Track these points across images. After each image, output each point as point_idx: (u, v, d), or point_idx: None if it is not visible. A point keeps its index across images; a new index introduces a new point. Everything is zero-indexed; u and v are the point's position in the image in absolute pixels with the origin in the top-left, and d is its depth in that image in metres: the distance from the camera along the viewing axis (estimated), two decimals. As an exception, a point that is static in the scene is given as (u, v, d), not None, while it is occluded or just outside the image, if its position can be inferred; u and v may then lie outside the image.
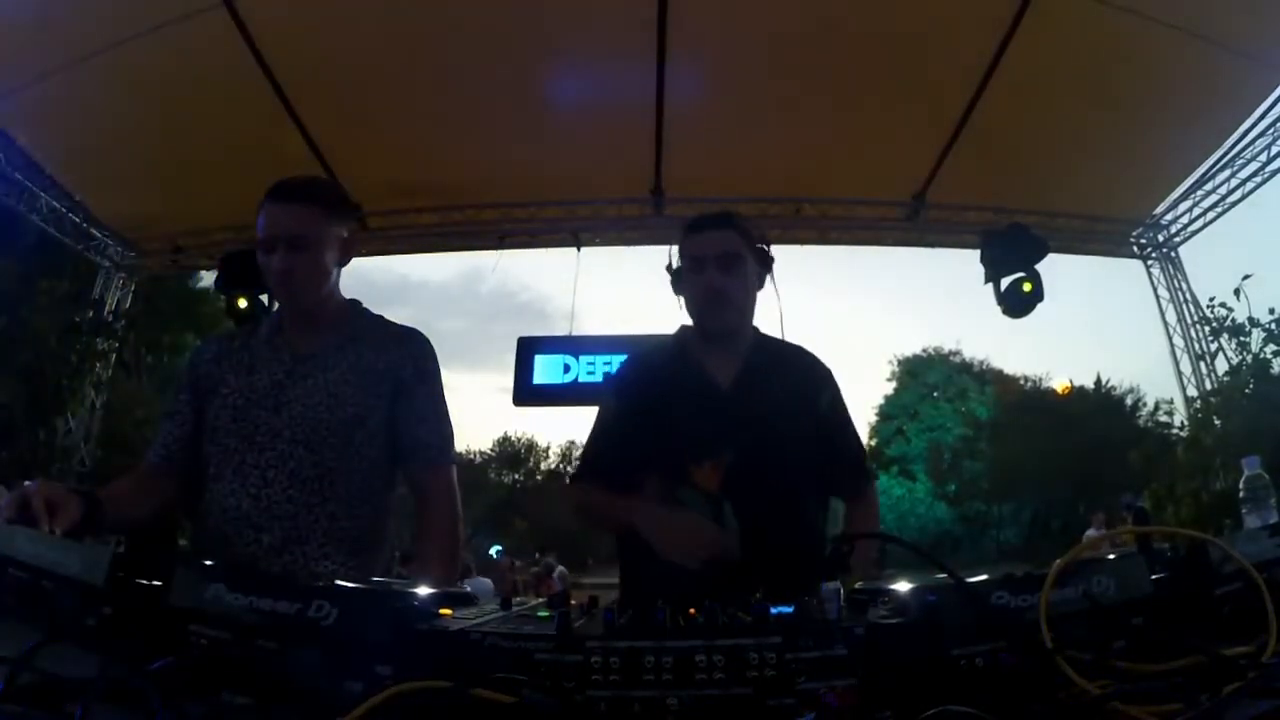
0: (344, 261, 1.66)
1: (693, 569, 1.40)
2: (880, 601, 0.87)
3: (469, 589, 1.28)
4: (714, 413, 1.64)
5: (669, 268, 1.78)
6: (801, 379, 1.74)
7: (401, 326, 1.74)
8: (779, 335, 1.82)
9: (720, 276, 1.64)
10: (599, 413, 1.77)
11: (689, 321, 1.75)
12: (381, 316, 1.74)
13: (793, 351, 1.79)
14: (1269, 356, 5.87)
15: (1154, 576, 0.83)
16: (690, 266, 1.68)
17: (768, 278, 1.75)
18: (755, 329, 1.77)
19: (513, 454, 33.47)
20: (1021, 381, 27.26)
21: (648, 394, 1.70)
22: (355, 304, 1.73)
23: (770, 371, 1.69)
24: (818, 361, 1.79)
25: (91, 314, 6.30)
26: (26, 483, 1.19)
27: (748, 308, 1.72)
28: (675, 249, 1.76)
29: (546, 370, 6.01)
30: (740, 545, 1.51)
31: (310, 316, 1.65)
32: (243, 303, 5.47)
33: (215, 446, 1.58)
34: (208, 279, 8.20)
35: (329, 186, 1.71)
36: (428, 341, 1.73)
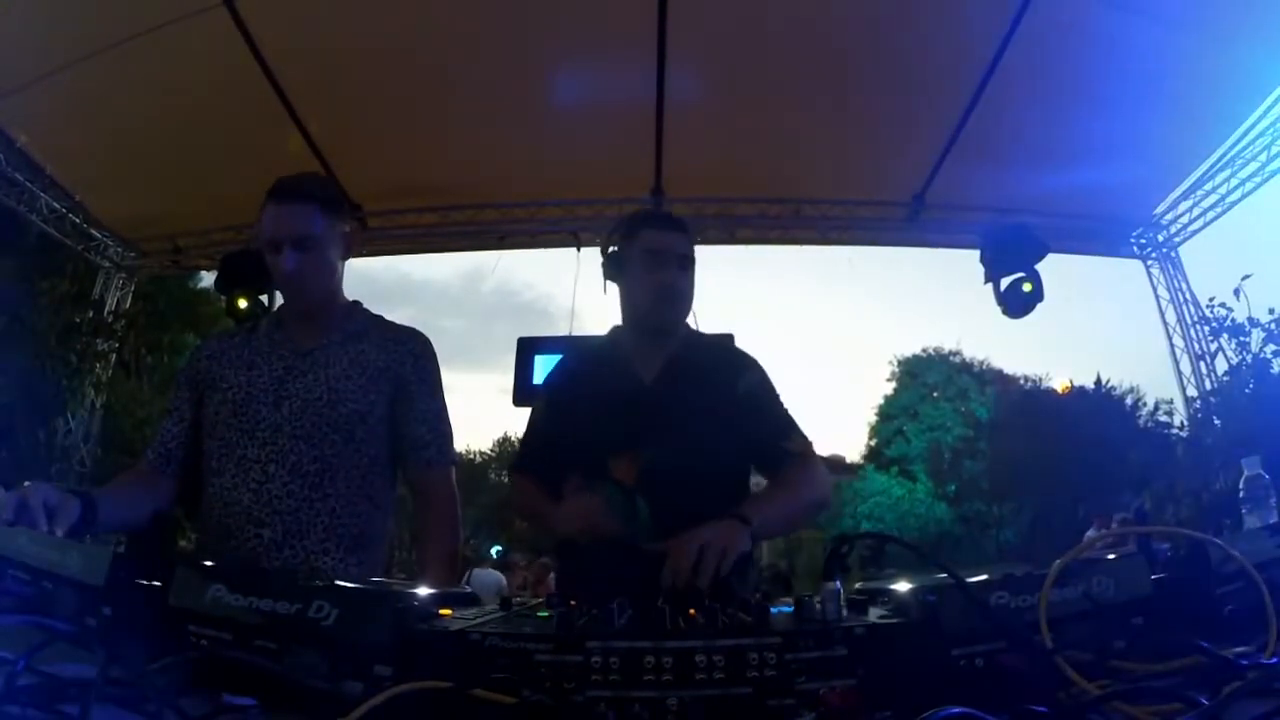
0: (346, 256, 1.69)
1: (583, 543, 1.46)
2: (880, 601, 0.87)
3: (468, 588, 1.29)
4: (634, 407, 1.66)
5: (604, 250, 1.79)
6: (721, 369, 1.75)
7: (402, 326, 1.75)
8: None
9: (678, 275, 1.69)
10: (532, 410, 1.82)
11: (619, 318, 1.79)
12: (382, 317, 1.76)
13: (715, 343, 1.85)
14: (1269, 356, 5.87)
15: (1154, 576, 0.83)
16: (647, 261, 1.69)
17: None
18: (685, 325, 1.80)
19: (513, 454, 33.38)
20: (1021, 381, 27.20)
21: (575, 391, 1.75)
22: (357, 304, 1.74)
23: (692, 365, 1.72)
24: (739, 350, 1.82)
25: (91, 314, 6.29)
26: (26, 484, 1.20)
27: (690, 308, 1.77)
28: (615, 244, 1.77)
29: (546, 370, 5.99)
30: (655, 537, 1.48)
31: (315, 313, 1.67)
32: (243, 303, 5.45)
33: (216, 441, 1.59)
34: (208, 279, 8.19)
35: (327, 183, 1.75)
36: (428, 342, 1.74)
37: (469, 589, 1.23)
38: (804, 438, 1.69)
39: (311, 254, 1.57)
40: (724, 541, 1.25)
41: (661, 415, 1.64)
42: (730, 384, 1.72)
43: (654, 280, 1.68)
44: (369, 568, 1.60)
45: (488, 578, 7.83)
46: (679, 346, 1.75)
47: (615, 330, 1.81)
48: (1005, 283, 5.40)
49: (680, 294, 1.70)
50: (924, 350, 28.49)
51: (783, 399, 1.76)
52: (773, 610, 0.80)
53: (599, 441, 1.62)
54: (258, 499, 1.53)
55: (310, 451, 1.55)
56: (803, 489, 1.60)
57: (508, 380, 6.02)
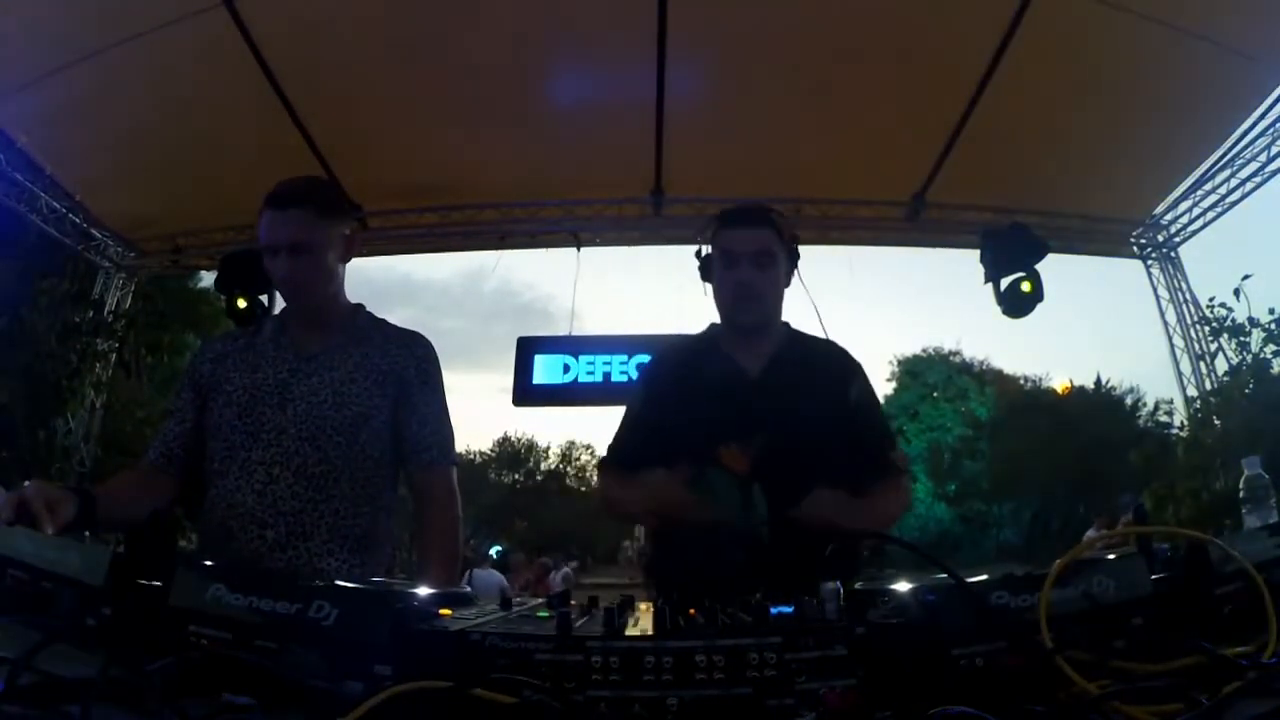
0: (346, 259, 1.70)
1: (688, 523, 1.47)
2: (880, 601, 0.87)
3: (468, 588, 1.29)
4: (742, 399, 1.66)
5: (698, 254, 1.80)
6: (830, 370, 1.75)
7: (404, 329, 1.77)
8: (811, 330, 1.86)
9: (753, 273, 1.67)
10: (628, 404, 1.81)
11: (713, 314, 1.79)
12: (385, 320, 1.76)
13: (823, 345, 1.82)
14: (1269, 356, 5.86)
15: (1154, 576, 0.83)
16: (723, 261, 1.70)
17: (794, 274, 1.79)
18: (786, 324, 1.79)
19: (513, 454, 33.39)
20: (1021, 381, 27.20)
21: (677, 384, 1.74)
22: (359, 307, 1.75)
23: (799, 362, 1.72)
24: (847, 354, 1.81)
25: (91, 314, 6.29)
26: (26, 483, 1.20)
27: (777, 304, 1.75)
28: (707, 243, 1.78)
29: (546, 370, 6.00)
30: (768, 529, 1.52)
31: (316, 316, 1.68)
32: (242, 303, 5.46)
33: (220, 443, 1.59)
34: (208, 279, 8.18)
35: (326, 187, 1.75)
36: (430, 344, 1.75)
37: (469, 589, 1.23)
38: (903, 453, 1.80)
39: (307, 259, 1.58)
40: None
41: (771, 407, 1.63)
42: (842, 384, 1.73)
43: (730, 279, 1.69)
44: (372, 569, 1.61)
45: (489, 578, 7.84)
46: (783, 343, 1.75)
47: (713, 327, 1.82)
48: (1005, 283, 5.40)
49: (754, 291, 1.68)
50: (924, 350, 28.51)
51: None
52: (773, 610, 0.80)
53: (704, 432, 1.62)
54: (261, 501, 1.54)
55: (315, 454, 1.56)
56: (905, 496, 1.77)
57: (508, 380, 6.03)
